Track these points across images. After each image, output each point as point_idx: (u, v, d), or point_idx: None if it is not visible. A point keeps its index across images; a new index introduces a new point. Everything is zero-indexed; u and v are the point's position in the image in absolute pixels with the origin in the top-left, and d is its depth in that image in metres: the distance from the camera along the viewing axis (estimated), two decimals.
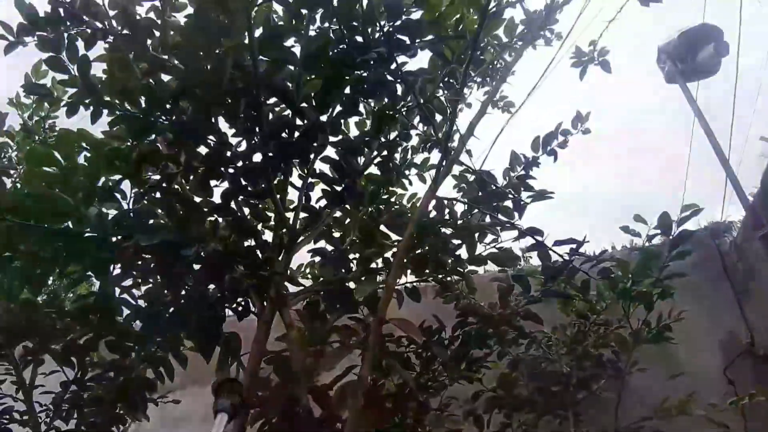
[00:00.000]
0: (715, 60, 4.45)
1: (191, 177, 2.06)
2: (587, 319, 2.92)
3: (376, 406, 1.66)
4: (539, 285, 2.21)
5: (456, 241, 2.11)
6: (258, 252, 1.99)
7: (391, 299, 1.73)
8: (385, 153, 2.44)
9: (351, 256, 2.28)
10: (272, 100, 2.03)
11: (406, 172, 2.87)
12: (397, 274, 1.72)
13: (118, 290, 2.00)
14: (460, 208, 2.21)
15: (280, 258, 1.98)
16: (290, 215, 2.05)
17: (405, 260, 1.79)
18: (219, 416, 1.44)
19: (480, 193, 2.12)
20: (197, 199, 2.04)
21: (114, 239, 1.81)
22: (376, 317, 1.69)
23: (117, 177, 1.91)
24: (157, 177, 2.05)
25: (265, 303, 1.95)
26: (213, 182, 2.07)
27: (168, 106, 1.82)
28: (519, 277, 2.08)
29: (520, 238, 2.07)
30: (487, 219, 2.16)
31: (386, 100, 2.12)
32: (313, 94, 1.98)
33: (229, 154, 1.95)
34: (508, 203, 2.23)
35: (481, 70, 2.72)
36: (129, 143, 1.96)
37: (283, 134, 1.99)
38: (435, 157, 3.07)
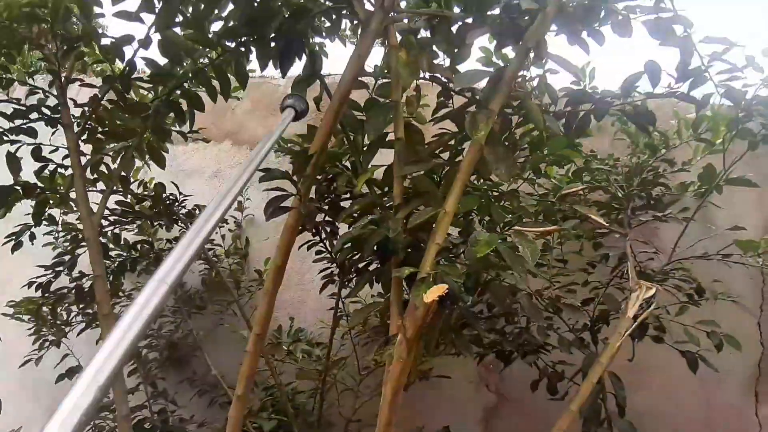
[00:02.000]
0: None
1: None
2: (655, 153, 2.75)
3: None
4: None
5: None
6: None
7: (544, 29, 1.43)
8: None
9: None
10: None
11: None
12: None
13: None
14: None
15: None
16: None
17: None
18: (287, 111, 1.44)
19: None
20: None
21: None
22: (523, 46, 1.40)
23: None
24: None
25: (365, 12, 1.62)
26: None
27: None
28: (653, 64, 1.79)
29: (668, 25, 1.73)
30: None
31: None
32: None
33: None
34: None
35: None
36: None
37: None
38: None
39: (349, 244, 1.48)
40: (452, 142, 1.75)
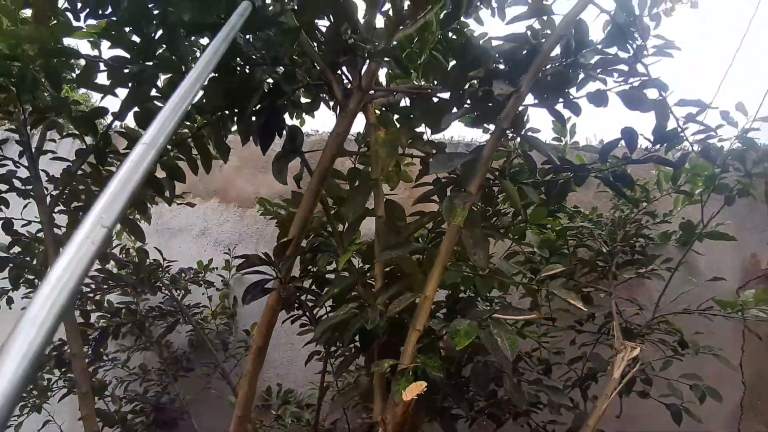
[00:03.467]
0: None
1: None
2: (636, 206, 2.79)
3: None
4: None
5: None
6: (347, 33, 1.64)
7: (518, 111, 1.45)
8: None
9: None
10: None
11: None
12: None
13: None
14: None
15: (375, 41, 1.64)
16: None
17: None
18: (244, 3, 1.32)
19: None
20: None
21: None
22: (498, 127, 1.42)
23: None
24: None
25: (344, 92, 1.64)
26: None
27: None
28: (630, 131, 1.82)
29: (643, 88, 1.78)
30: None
31: None
32: None
33: None
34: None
35: None
36: None
37: None
38: None
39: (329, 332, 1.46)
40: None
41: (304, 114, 2.42)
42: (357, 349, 1.67)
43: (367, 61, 1.60)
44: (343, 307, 1.35)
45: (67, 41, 1.92)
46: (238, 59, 1.63)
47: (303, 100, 2.21)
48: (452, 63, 2.30)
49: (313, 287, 1.90)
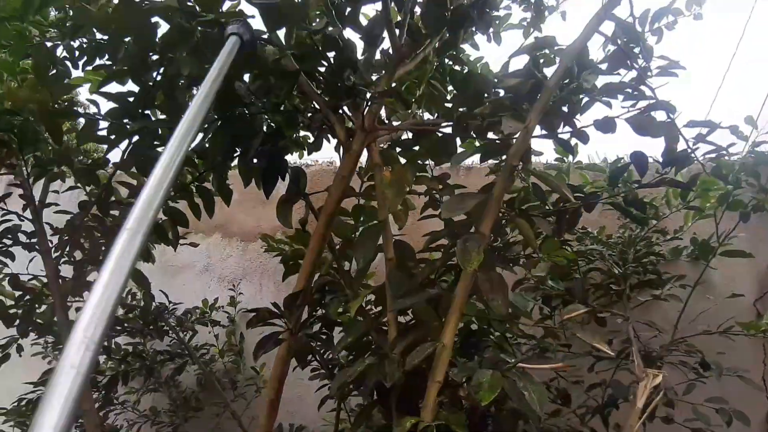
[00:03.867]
0: None
1: None
2: (646, 225, 2.74)
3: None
4: None
5: None
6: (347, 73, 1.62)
7: (527, 146, 1.42)
8: None
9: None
10: None
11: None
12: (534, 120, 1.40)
13: None
14: None
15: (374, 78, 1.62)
16: None
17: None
18: (231, 40, 1.23)
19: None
20: None
21: None
22: (508, 164, 1.39)
23: None
24: None
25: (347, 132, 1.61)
26: None
27: None
28: (640, 155, 1.78)
29: (650, 110, 1.74)
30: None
31: None
32: None
33: None
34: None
35: None
36: None
37: None
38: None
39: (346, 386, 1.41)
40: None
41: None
42: (371, 405, 1.61)
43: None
44: (360, 361, 1.30)
45: None
46: (240, 108, 1.60)
47: (303, 133, 2.19)
48: (450, 88, 2.28)
49: (323, 329, 1.86)
